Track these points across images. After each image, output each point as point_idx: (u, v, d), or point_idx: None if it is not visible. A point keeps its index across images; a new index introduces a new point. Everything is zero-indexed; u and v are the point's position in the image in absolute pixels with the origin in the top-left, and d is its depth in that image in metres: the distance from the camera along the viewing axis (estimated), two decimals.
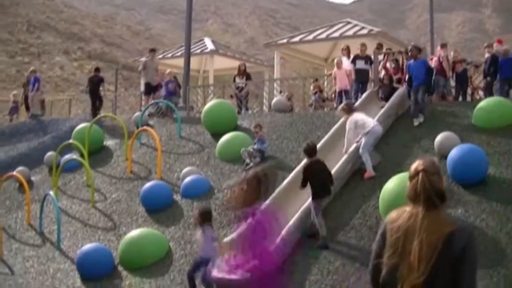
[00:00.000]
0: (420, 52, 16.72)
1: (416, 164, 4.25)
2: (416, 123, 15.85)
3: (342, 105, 15.51)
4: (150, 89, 23.83)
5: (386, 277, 4.13)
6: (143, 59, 33.67)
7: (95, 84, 25.34)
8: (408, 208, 4.17)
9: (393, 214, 4.25)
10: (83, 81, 57.22)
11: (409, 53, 16.98)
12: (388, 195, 11.54)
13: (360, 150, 13.92)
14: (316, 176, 12.21)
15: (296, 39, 29.26)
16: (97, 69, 27.56)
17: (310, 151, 12.53)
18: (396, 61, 19.33)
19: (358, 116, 14.37)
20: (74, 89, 54.81)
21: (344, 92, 19.40)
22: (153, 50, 25.70)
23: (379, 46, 21.40)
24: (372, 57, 19.66)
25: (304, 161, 13.00)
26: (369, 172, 13.81)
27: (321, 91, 22.94)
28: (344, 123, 14.84)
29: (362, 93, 18.44)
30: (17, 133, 25.47)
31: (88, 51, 67.37)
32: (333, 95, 21.22)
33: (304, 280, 10.93)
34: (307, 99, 22.98)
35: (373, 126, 14.08)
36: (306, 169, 12.34)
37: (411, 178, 4.23)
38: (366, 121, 14.26)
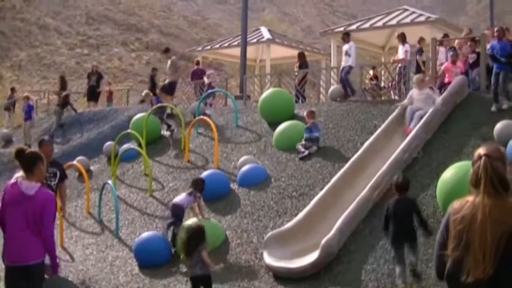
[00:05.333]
0: (505, 33, 16.15)
1: (480, 149, 4.12)
2: (494, 108, 15.25)
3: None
4: None
5: (450, 270, 4.02)
6: (199, 48, 33.97)
7: (96, 80, 29.78)
8: (471, 198, 4.02)
9: (455, 205, 4.11)
10: (141, 72, 57.88)
11: (496, 34, 16.43)
12: (446, 184, 11.33)
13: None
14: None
15: (353, 27, 28.95)
16: (95, 67, 32.15)
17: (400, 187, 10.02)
18: (455, 49, 18.86)
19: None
20: (132, 80, 55.34)
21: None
22: None
23: (444, 36, 21.08)
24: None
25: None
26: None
27: (377, 78, 22.69)
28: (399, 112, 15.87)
29: None
30: (77, 123, 25.88)
31: (146, 41, 67.80)
32: (389, 84, 20.99)
33: (360, 269, 10.85)
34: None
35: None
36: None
37: (474, 163, 4.08)
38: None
